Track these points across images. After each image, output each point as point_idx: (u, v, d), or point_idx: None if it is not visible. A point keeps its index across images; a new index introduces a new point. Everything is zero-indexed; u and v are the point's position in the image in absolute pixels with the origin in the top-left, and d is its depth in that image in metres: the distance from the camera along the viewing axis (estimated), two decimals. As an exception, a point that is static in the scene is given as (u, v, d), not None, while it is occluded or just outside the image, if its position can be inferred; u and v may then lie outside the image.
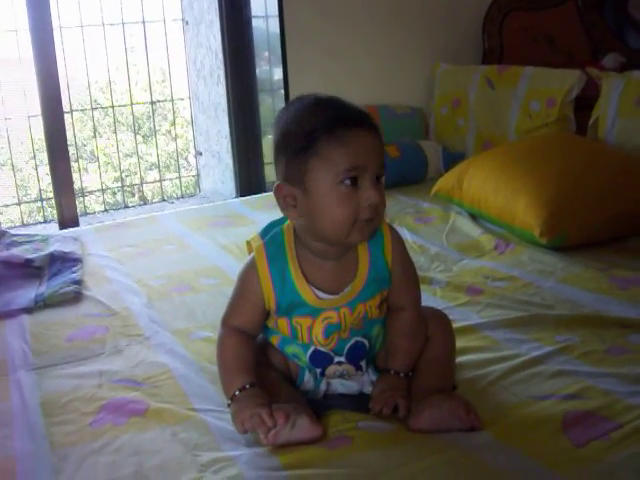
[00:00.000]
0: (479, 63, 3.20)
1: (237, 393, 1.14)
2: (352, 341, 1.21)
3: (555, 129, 2.61)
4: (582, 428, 1.13)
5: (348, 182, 1.07)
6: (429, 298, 1.66)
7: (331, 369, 1.22)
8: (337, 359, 1.21)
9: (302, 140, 1.08)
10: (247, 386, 1.14)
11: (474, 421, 1.12)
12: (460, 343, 1.44)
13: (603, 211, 1.99)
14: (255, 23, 3.07)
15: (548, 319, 1.54)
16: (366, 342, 1.22)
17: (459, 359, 1.37)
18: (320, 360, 1.21)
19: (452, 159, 2.81)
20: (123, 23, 3.55)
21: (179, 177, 3.85)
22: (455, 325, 1.51)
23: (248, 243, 1.26)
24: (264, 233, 1.24)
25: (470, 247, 2.08)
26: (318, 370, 1.22)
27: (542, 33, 3.06)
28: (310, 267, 1.16)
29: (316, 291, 1.16)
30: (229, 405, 1.16)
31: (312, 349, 1.20)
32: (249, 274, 1.19)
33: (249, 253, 1.25)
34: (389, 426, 1.17)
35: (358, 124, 1.08)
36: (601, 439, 1.09)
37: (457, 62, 3.15)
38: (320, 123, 1.07)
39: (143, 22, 3.58)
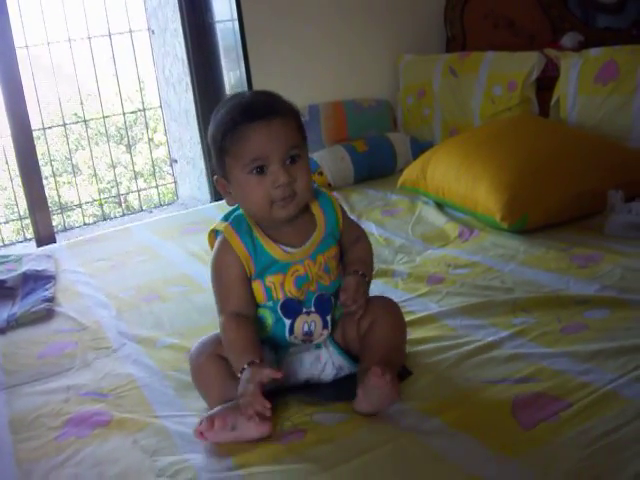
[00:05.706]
0: (444, 52, 3.21)
1: (238, 375, 1.21)
2: (318, 293, 1.31)
3: (518, 112, 2.63)
4: (531, 410, 1.14)
5: (254, 172, 1.23)
6: (390, 290, 1.68)
7: (300, 321, 1.29)
8: (306, 309, 1.29)
9: (218, 142, 1.26)
10: (245, 366, 1.20)
11: (389, 382, 1.16)
12: (418, 333, 1.47)
13: (563, 192, 2.00)
14: (222, 26, 3.07)
15: (505, 303, 1.56)
16: (332, 297, 1.32)
17: (416, 348, 1.40)
18: (291, 308, 1.29)
19: (421, 149, 2.80)
20: (89, 37, 3.58)
21: (156, 186, 3.87)
22: (414, 316, 1.55)
23: (211, 233, 1.35)
24: (225, 218, 1.36)
25: (435, 236, 2.09)
26: (288, 322, 1.29)
27: (502, 17, 3.06)
28: (273, 231, 1.30)
29: (282, 247, 1.29)
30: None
31: (283, 299, 1.29)
32: (224, 252, 1.29)
33: (210, 246, 1.34)
34: (343, 416, 1.20)
35: (258, 118, 1.22)
36: (550, 420, 1.11)
37: (422, 52, 3.17)
38: (227, 125, 1.24)
39: (109, 35, 3.61)
